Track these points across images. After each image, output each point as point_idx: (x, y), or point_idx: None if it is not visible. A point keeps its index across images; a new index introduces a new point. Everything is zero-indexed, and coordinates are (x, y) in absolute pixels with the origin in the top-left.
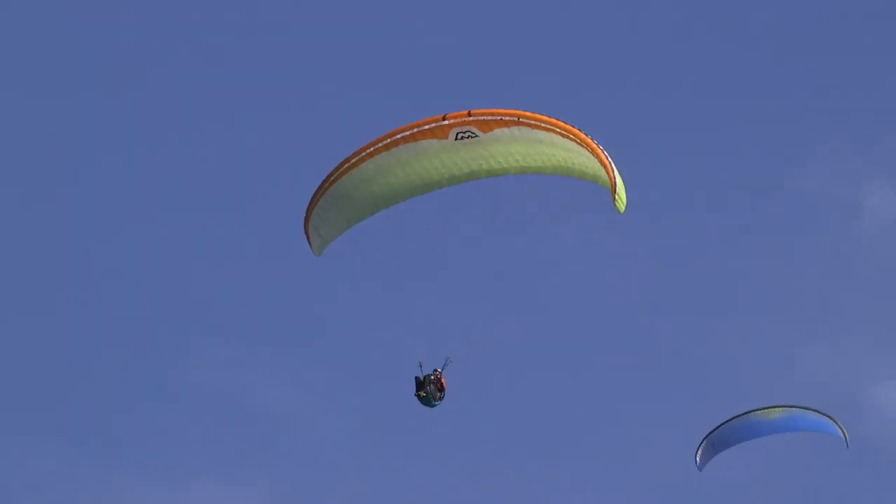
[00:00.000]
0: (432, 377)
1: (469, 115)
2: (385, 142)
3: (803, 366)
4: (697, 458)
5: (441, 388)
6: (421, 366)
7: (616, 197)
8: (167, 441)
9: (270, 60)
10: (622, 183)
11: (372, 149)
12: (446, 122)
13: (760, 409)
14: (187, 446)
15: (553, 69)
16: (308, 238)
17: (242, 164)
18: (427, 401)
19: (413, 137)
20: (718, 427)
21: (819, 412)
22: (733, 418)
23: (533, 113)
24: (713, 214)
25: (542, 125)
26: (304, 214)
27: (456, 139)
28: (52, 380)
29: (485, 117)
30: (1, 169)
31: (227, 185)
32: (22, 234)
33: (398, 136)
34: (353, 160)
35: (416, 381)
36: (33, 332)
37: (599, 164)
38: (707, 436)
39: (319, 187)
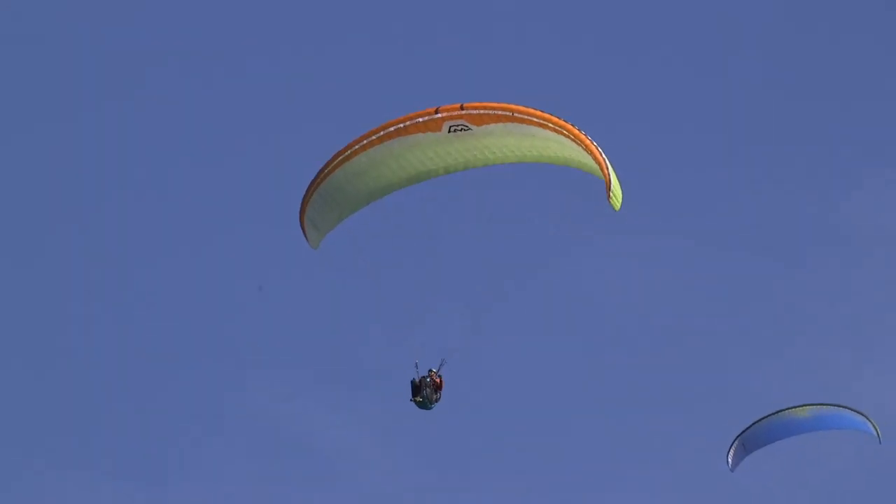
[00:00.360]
0: (427, 379)
1: (462, 108)
2: (378, 134)
3: (860, 393)
4: (729, 460)
5: (437, 388)
6: (417, 367)
7: (611, 194)
8: (221, 472)
9: (268, 60)
10: (617, 180)
11: (365, 141)
12: (439, 115)
13: (791, 408)
14: (242, 477)
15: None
16: (304, 232)
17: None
18: (423, 405)
19: (406, 130)
20: (749, 427)
21: (851, 409)
22: (764, 418)
23: (525, 107)
24: (763, 244)
25: (535, 120)
26: (298, 209)
27: (449, 132)
28: (104, 412)
29: (477, 111)
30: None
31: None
32: (68, 261)
33: (391, 129)
34: (346, 153)
35: (411, 385)
36: (80, 364)
37: (594, 161)
38: (738, 436)
39: (313, 181)
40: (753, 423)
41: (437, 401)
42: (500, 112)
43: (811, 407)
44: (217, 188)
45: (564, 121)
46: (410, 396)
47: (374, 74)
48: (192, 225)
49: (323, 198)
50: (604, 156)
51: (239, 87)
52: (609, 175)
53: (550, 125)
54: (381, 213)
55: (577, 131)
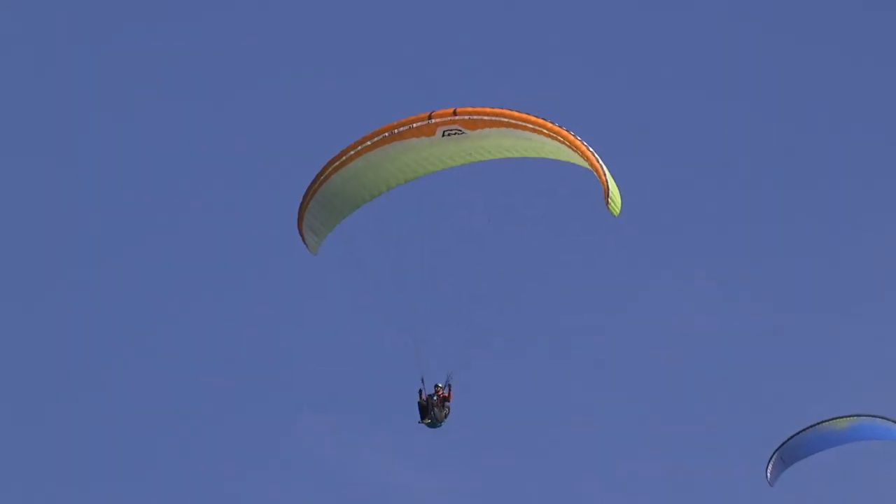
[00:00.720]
0: (434, 397)
1: (455, 113)
2: (373, 140)
3: None
4: (768, 473)
5: (444, 402)
6: (423, 382)
7: (609, 201)
8: None
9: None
10: (615, 185)
11: (360, 147)
12: (433, 120)
13: (829, 420)
14: None
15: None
16: (304, 240)
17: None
18: (433, 425)
19: (401, 136)
20: (788, 440)
21: (889, 419)
22: (802, 431)
23: (519, 112)
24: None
25: (530, 126)
26: (296, 217)
27: (443, 136)
28: (158, 447)
29: (471, 116)
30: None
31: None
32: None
33: (385, 134)
34: (342, 158)
35: (419, 407)
36: (131, 398)
37: (590, 166)
38: (777, 449)
39: (309, 188)
40: (792, 436)
41: (446, 416)
42: (493, 118)
43: (851, 418)
44: (246, 219)
45: (559, 126)
46: (419, 419)
47: (371, 80)
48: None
49: (320, 204)
50: (600, 161)
51: (235, 93)
52: (606, 180)
53: (545, 130)
54: (379, 214)
55: (572, 137)
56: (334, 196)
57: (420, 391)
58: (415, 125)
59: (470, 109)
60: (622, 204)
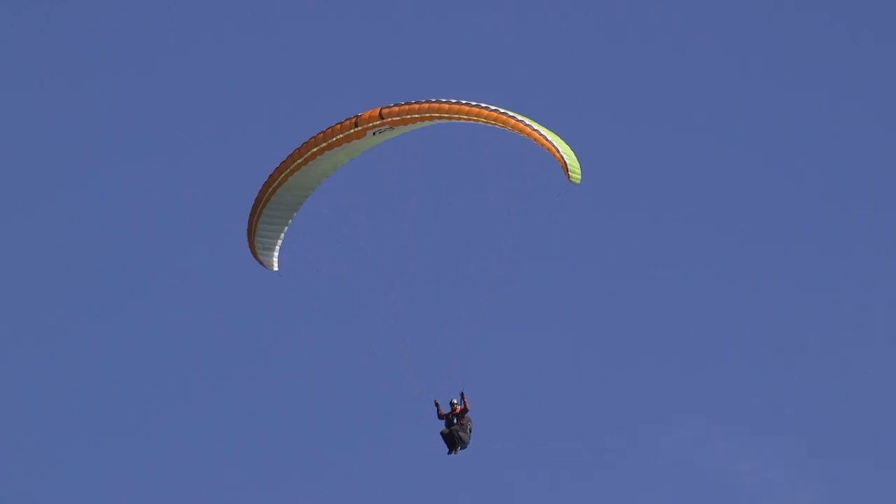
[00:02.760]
0: (454, 419)
1: (381, 116)
2: (304, 156)
3: None
4: None
5: (463, 415)
6: (438, 405)
7: (570, 174)
8: None
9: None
10: (571, 153)
11: (293, 165)
12: (359, 127)
13: None
14: None
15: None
16: (260, 262)
17: None
18: (463, 447)
19: (329, 147)
20: None
21: None
22: None
23: (449, 103)
24: None
25: (464, 116)
26: (248, 247)
27: (374, 135)
28: None
29: (400, 116)
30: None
31: None
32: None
33: (314, 150)
34: (278, 179)
35: (444, 439)
36: None
37: (540, 145)
38: None
39: (252, 215)
40: None
41: (470, 431)
42: (424, 114)
43: None
44: None
45: (496, 111)
46: (448, 451)
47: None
48: None
49: (266, 222)
50: (549, 138)
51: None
52: (563, 158)
53: (482, 119)
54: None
55: (514, 122)
56: (277, 209)
57: (447, 416)
58: (342, 135)
59: (396, 109)
60: (581, 170)
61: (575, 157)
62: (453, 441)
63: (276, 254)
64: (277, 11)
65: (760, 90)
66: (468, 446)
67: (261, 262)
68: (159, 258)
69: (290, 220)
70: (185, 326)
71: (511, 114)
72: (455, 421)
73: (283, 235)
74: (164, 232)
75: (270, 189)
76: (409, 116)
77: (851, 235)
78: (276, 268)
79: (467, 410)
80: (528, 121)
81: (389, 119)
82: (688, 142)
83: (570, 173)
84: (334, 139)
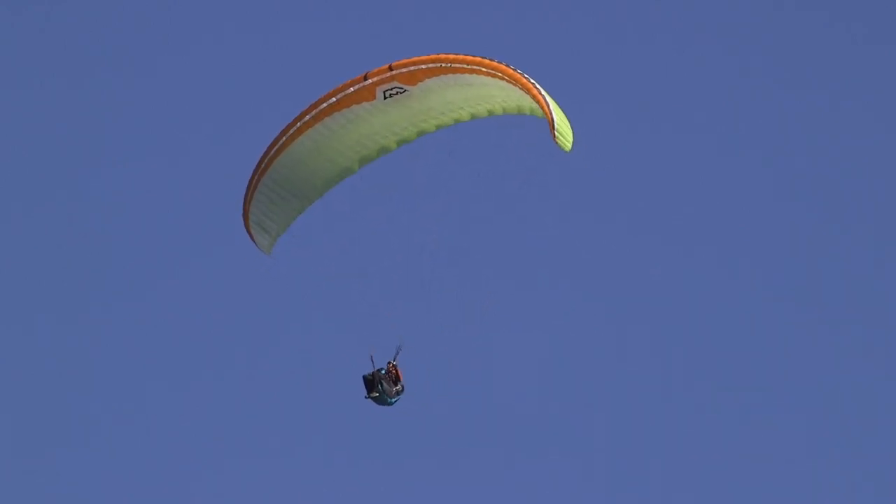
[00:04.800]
0: (383, 371)
1: (391, 69)
2: (311, 114)
3: None
4: None
5: (396, 381)
6: (373, 359)
7: (556, 134)
8: None
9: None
10: (564, 118)
11: (299, 124)
12: (368, 80)
13: None
14: None
15: None
16: (252, 237)
17: None
18: (382, 400)
19: (339, 104)
20: None
21: None
22: None
23: (454, 54)
24: None
25: (467, 67)
26: (240, 211)
27: (385, 98)
28: None
29: (407, 68)
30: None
31: None
32: None
33: (323, 106)
34: (282, 140)
35: (364, 381)
36: None
37: (532, 99)
38: None
39: (251, 178)
40: None
41: (398, 393)
42: (430, 65)
43: None
44: None
45: (497, 62)
46: (365, 394)
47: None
48: None
49: (267, 196)
50: (543, 93)
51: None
52: (551, 113)
53: (483, 69)
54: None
55: (511, 71)
56: (282, 185)
57: (365, 376)
58: (352, 89)
59: (405, 61)
60: (573, 137)
61: (567, 125)
62: (373, 384)
63: (271, 239)
64: (277, 11)
65: (760, 90)
66: (386, 403)
67: (252, 240)
68: (159, 259)
69: (299, 210)
70: (183, 326)
71: (514, 68)
72: (384, 375)
73: (288, 223)
74: (163, 233)
75: (274, 149)
76: (417, 68)
77: (850, 236)
78: (269, 252)
79: (400, 380)
80: (530, 79)
81: (398, 72)
82: (687, 142)
83: (556, 133)
84: (342, 95)
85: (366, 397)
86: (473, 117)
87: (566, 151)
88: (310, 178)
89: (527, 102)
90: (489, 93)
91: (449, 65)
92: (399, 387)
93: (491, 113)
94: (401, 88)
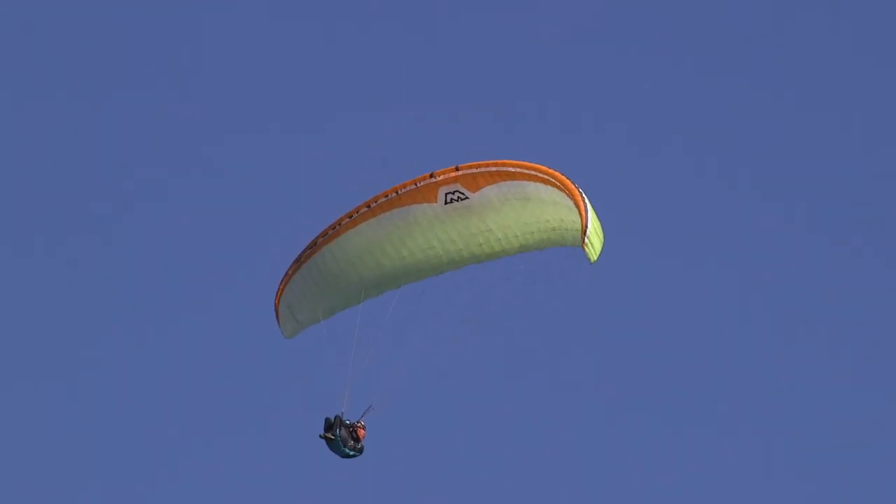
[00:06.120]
0: (348, 422)
1: (457, 169)
2: (370, 206)
3: None
4: None
5: (357, 439)
6: (369, 410)
7: (586, 241)
8: None
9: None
10: (599, 228)
11: (356, 214)
12: (433, 179)
13: None
14: None
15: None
16: (277, 317)
17: None
18: (336, 446)
19: (399, 200)
20: None
21: None
22: None
23: (515, 160)
24: None
25: (526, 172)
26: (275, 290)
27: (446, 202)
28: None
29: (471, 171)
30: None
31: None
32: None
33: (383, 200)
34: (335, 227)
35: (325, 421)
36: None
37: (574, 206)
38: None
39: (297, 259)
40: None
41: (357, 450)
42: (492, 169)
43: None
44: None
45: (548, 168)
46: (322, 432)
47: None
48: None
49: (307, 281)
50: (586, 202)
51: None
52: (587, 218)
53: (540, 176)
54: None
55: (562, 177)
56: (323, 277)
57: (328, 419)
58: (414, 187)
59: (470, 164)
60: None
61: (600, 237)
62: (331, 427)
63: (299, 328)
64: (277, 11)
65: (761, 89)
66: (339, 451)
67: (277, 319)
68: (159, 259)
69: (338, 308)
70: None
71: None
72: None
73: (320, 317)
74: (164, 233)
75: (325, 236)
76: (479, 171)
77: (852, 236)
78: (289, 336)
79: (360, 440)
80: (579, 187)
81: (463, 174)
82: (687, 142)
83: (585, 240)
84: (405, 191)
85: (320, 436)
86: (522, 250)
87: (591, 262)
88: (356, 279)
89: (571, 221)
90: (542, 213)
91: (508, 168)
92: (360, 446)
93: (540, 244)
94: (462, 195)
